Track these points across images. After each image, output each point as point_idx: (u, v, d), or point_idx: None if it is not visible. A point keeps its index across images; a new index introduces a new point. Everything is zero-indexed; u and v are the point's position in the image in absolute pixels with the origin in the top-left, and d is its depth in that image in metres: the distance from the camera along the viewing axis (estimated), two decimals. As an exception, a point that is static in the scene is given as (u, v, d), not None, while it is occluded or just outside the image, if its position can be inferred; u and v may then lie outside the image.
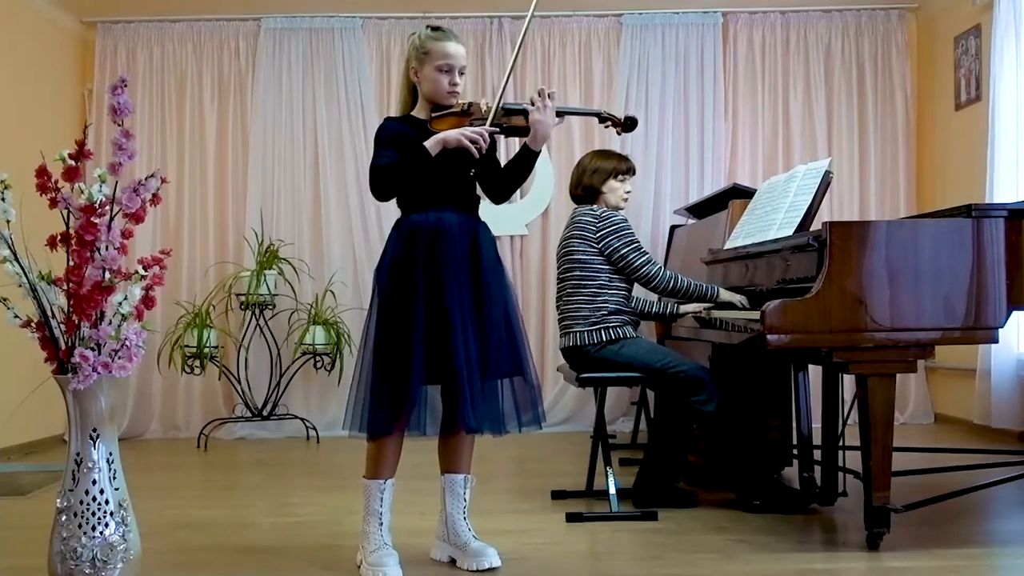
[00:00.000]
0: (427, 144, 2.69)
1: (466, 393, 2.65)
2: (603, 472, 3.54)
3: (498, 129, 2.80)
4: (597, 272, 3.59)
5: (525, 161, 2.84)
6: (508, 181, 2.89)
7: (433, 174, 2.73)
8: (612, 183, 3.71)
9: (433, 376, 2.69)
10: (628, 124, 3.07)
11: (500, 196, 2.93)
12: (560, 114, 2.85)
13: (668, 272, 3.59)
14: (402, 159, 2.71)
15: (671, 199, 6.04)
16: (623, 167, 3.75)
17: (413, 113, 2.86)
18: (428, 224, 2.74)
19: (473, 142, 2.70)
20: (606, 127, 3.10)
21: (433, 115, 2.79)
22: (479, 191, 2.92)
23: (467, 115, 2.77)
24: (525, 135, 2.81)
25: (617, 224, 3.59)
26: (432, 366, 2.67)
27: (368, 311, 2.83)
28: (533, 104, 2.79)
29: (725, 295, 3.53)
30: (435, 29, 2.85)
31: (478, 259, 2.77)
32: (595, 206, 3.69)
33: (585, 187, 3.73)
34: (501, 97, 2.79)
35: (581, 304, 3.59)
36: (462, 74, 2.82)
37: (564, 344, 3.67)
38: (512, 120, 2.83)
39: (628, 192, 3.78)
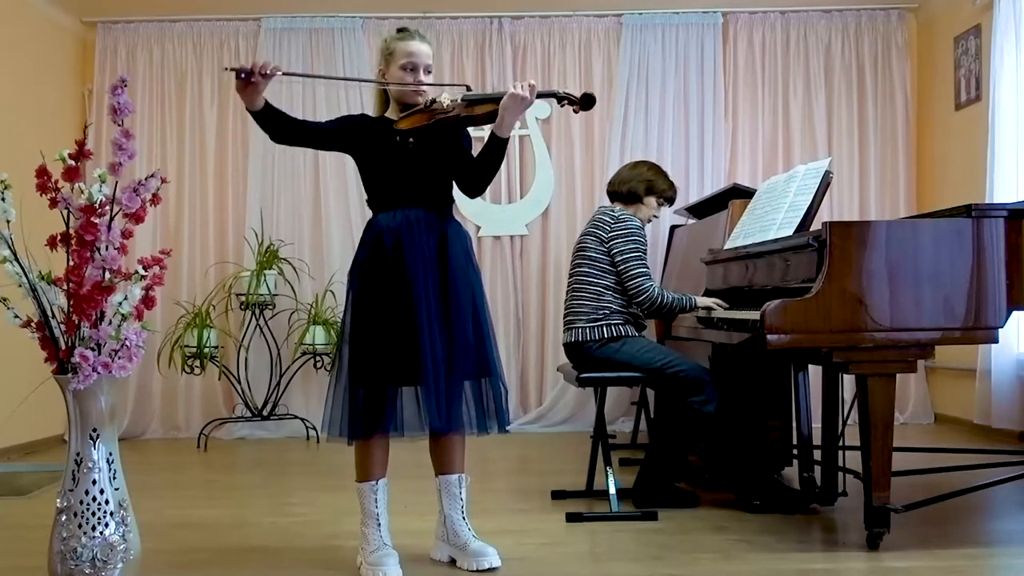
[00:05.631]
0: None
1: (432, 394, 2.65)
2: (603, 472, 3.54)
3: (463, 117, 2.79)
4: (604, 272, 3.61)
5: (494, 149, 2.76)
6: (480, 173, 2.81)
7: (401, 173, 2.74)
8: (652, 200, 3.83)
9: (405, 378, 2.69)
10: (585, 102, 2.97)
11: (474, 189, 2.85)
12: None
13: (659, 291, 3.56)
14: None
15: (671, 199, 6.04)
16: (669, 193, 3.88)
17: (387, 114, 2.86)
18: (394, 224, 2.73)
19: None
20: (563, 106, 3.04)
21: (401, 115, 2.77)
22: (455, 191, 2.88)
23: (430, 111, 2.75)
24: (484, 123, 2.78)
25: (631, 228, 3.62)
26: (403, 368, 2.67)
27: (343, 314, 2.84)
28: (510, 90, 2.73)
29: (701, 302, 3.56)
30: (400, 30, 2.86)
31: (445, 258, 2.75)
32: (618, 207, 3.76)
33: (631, 189, 3.81)
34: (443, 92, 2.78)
35: (586, 301, 3.60)
36: (428, 72, 2.80)
37: (566, 339, 3.67)
38: (473, 110, 2.78)
39: (656, 216, 3.90)
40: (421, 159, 2.77)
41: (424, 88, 2.78)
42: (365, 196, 2.88)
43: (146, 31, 6.12)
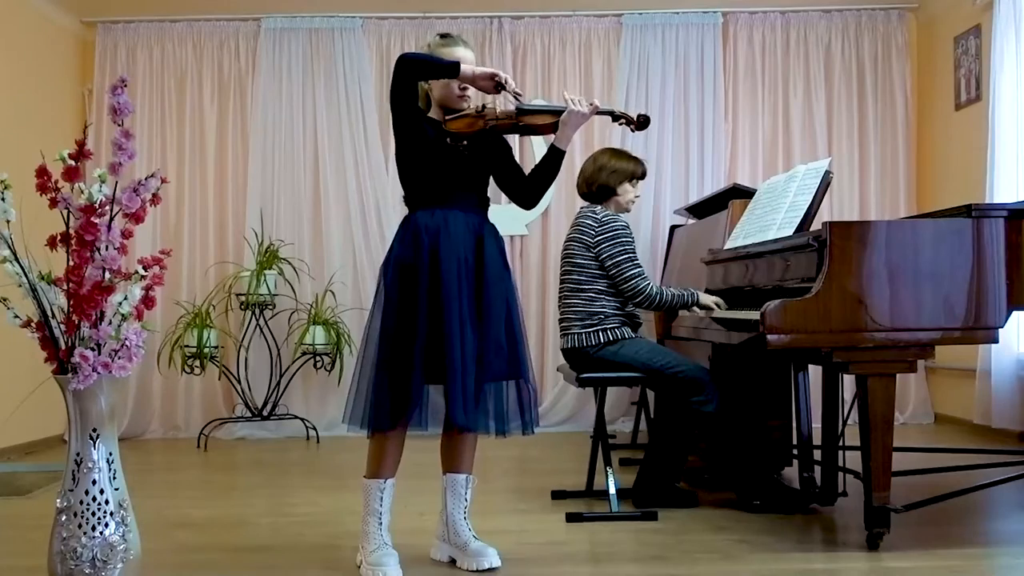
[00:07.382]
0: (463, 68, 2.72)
1: (458, 390, 2.65)
2: (603, 472, 3.54)
3: (517, 126, 2.84)
4: (594, 277, 3.57)
5: (553, 161, 2.85)
6: (537, 184, 2.90)
7: (449, 174, 2.78)
8: (627, 186, 3.68)
9: (433, 375, 2.70)
10: (641, 122, 3.06)
11: (530, 200, 2.93)
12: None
13: (656, 288, 3.53)
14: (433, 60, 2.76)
15: (671, 199, 6.04)
16: (639, 171, 3.72)
17: (430, 115, 2.88)
18: (433, 222, 2.75)
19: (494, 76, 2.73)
20: (619, 124, 3.10)
21: (448, 117, 2.80)
22: (504, 199, 2.93)
23: (481, 116, 2.78)
24: (541, 133, 2.86)
25: (617, 231, 3.55)
26: (432, 365, 2.68)
27: (372, 306, 2.84)
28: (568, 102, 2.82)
29: (704, 299, 3.53)
30: (444, 36, 2.90)
31: (481, 259, 2.77)
32: (599, 208, 3.65)
33: (601, 186, 3.66)
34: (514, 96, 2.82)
35: (579, 307, 3.58)
36: None
37: (564, 345, 3.67)
38: (529, 120, 2.84)
39: (637, 196, 3.76)
40: (471, 163, 2.81)
41: (469, 94, 2.82)
42: (402, 193, 2.89)
43: (146, 31, 6.12)
